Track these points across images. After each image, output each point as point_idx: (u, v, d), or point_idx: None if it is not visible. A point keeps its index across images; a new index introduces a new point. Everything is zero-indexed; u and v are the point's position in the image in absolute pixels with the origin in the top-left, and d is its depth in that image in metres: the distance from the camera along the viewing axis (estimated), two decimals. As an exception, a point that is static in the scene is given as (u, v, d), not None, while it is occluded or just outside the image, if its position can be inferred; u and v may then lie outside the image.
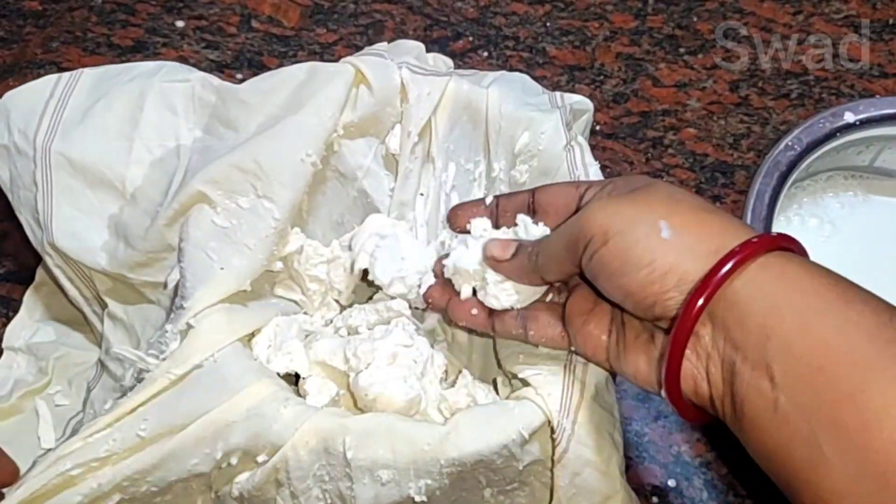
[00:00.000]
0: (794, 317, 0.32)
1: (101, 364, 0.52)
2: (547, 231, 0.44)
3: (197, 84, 0.50)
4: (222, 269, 0.45)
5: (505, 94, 0.51)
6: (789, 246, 0.35)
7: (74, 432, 0.47)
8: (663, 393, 0.37)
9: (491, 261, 0.44)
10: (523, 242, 0.43)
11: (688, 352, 0.35)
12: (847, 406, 0.31)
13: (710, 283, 0.33)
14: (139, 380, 0.44)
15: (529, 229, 0.44)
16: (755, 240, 0.34)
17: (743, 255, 0.33)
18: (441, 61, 0.54)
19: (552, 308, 0.44)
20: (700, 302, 0.34)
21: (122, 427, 0.42)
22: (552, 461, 0.42)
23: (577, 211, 0.42)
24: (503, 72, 0.53)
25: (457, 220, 0.48)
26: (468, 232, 0.47)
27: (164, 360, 0.43)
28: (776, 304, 0.33)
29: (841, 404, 0.31)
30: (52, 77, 0.51)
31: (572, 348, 0.43)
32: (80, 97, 0.50)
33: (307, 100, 0.48)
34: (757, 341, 0.33)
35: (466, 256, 0.45)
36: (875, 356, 0.31)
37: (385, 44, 0.54)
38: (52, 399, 0.53)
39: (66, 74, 0.51)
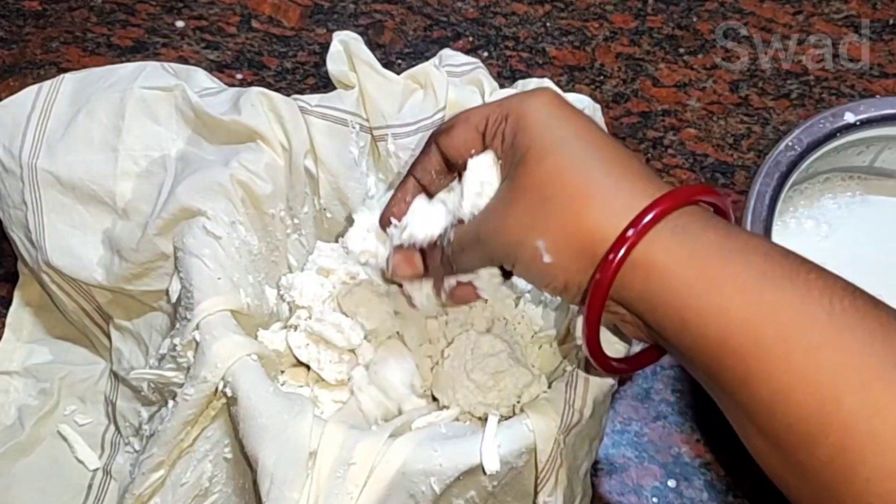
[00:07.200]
0: (673, 317, 0.35)
1: (115, 375, 0.52)
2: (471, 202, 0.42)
3: (178, 95, 0.49)
4: (219, 279, 0.44)
5: None
6: (648, 226, 0.35)
7: (115, 446, 0.51)
8: (586, 351, 0.39)
9: (402, 278, 0.45)
10: (427, 249, 0.43)
11: (611, 317, 0.38)
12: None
13: (597, 299, 0.36)
14: (160, 391, 0.46)
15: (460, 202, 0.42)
16: (611, 257, 0.35)
17: (616, 263, 0.35)
18: (442, 77, 0.51)
19: None
20: (593, 307, 0.37)
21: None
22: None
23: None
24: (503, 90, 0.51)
25: (393, 217, 0.45)
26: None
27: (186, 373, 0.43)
28: (653, 304, 0.35)
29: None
30: (34, 88, 0.50)
31: None
32: (62, 106, 0.49)
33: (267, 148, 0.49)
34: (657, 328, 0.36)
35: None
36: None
37: (355, 99, 0.50)
38: (71, 420, 0.52)
39: (48, 83, 0.50)
